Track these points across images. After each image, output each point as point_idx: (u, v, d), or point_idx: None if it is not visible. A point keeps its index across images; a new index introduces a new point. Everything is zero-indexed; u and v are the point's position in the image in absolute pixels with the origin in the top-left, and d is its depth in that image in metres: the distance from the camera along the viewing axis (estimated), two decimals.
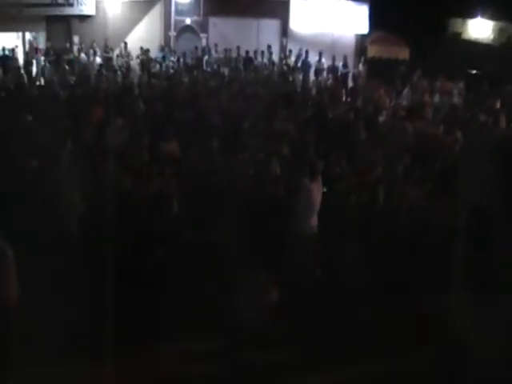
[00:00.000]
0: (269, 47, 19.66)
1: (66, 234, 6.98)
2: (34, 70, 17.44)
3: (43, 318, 5.80)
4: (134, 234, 6.72)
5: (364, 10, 21.88)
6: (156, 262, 6.68)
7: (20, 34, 19.81)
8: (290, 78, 17.31)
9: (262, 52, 19.39)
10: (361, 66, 19.73)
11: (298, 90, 15.05)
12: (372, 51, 21.54)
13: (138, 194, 7.51)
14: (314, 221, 7.26)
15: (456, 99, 14.58)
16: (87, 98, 11.90)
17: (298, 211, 7.21)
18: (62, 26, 19.97)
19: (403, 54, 21.27)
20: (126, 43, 19.17)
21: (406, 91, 15.76)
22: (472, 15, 22.87)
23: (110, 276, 5.73)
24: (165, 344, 6.12)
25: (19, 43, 19.19)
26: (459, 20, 23.65)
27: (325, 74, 18.64)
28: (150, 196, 7.34)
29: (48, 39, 19.28)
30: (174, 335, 6.14)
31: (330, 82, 17.63)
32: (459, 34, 23.62)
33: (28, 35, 20.01)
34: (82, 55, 18.34)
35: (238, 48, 19.31)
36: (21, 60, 17.91)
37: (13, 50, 17.74)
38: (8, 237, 5.48)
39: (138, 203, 7.31)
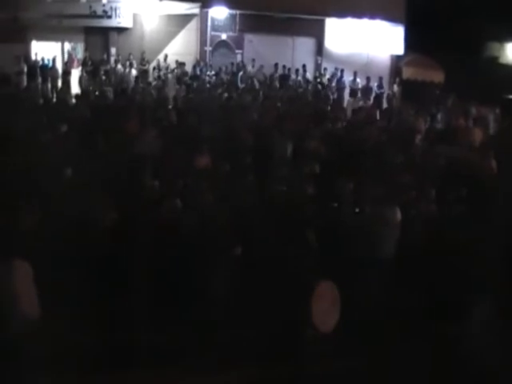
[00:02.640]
0: (303, 66, 19.73)
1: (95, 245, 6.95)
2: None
3: None
4: (165, 247, 6.68)
5: (399, 32, 21.84)
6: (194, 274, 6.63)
7: (59, 43, 20.25)
8: (324, 97, 17.28)
9: (297, 70, 19.44)
10: (395, 88, 19.63)
11: (332, 109, 14.98)
12: (407, 73, 21.44)
13: (168, 206, 7.49)
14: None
15: (492, 125, 14.37)
16: (123, 108, 12.01)
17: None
18: (100, 37, 20.34)
19: (438, 76, 21.13)
20: (166, 55, 19.46)
21: (440, 115, 15.60)
22: (509, 39, 22.61)
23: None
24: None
25: (58, 53, 19.57)
26: (496, 43, 23.40)
27: (359, 94, 18.57)
28: (181, 208, 7.32)
29: (86, 50, 19.65)
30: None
31: (363, 102, 17.54)
32: (496, 58, 23.36)
33: (67, 45, 20.43)
34: (119, 66, 18.61)
35: (276, 65, 19.39)
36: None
37: (53, 60, 18.06)
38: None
39: (169, 214, 7.30)
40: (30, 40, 19.48)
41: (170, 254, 6.64)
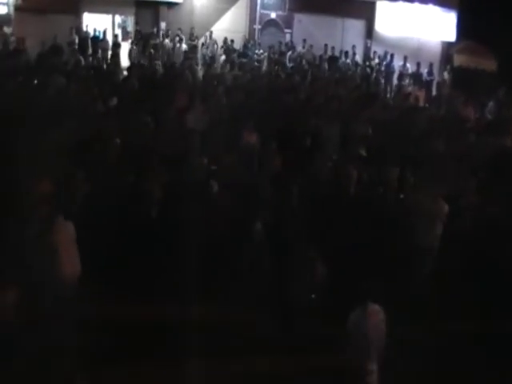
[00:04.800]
0: (353, 47, 19.51)
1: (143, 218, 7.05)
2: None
3: None
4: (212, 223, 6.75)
5: (452, 18, 21.34)
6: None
7: (110, 16, 20.45)
8: (374, 81, 17.05)
9: (346, 52, 19.22)
10: (446, 75, 19.22)
11: (381, 93, 14.81)
12: (458, 60, 20.96)
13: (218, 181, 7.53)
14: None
15: None
16: (172, 83, 12.09)
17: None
18: (150, 11, 20.49)
19: (491, 65, 20.55)
20: (211, 32, 19.45)
21: (490, 105, 15.22)
22: None
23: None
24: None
25: (109, 25, 19.77)
26: None
27: (408, 79, 18.26)
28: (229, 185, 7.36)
29: (136, 23, 19.81)
30: None
31: (413, 87, 17.24)
32: None
33: (117, 18, 20.62)
34: (167, 41, 18.71)
35: (326, 46, 19.21)
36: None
37: (104, 32, 18.27)
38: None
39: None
40: (82, 12, 19.74)
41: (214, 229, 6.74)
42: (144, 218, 6.93)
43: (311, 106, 11.48)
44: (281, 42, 19.89)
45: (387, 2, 21.29)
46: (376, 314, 4.89)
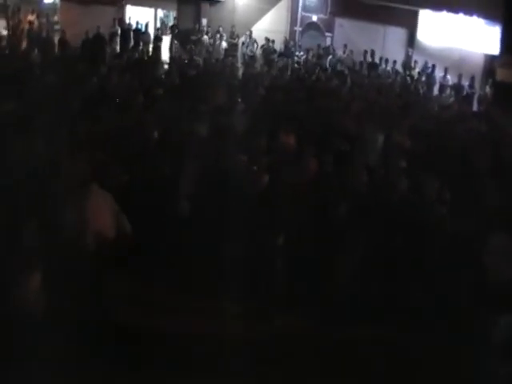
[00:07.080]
0: (373, 54, 19.43)
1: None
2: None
3: None
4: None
5: (496, 32, 20.93)
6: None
7: (152, 10, 20.60)
8: (414, 90, 16.84)
9: (387, 60, 19.03)
10: (488, 89, 18.89)
11: (421, 103, 14.58)
12: (501, 74, 20.53)
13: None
14: None
15: None
16: (211, 79, 12.09)
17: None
18: (192, 7, 20.62)
19: None
20: (251, 31, 19.44)
21: None
22: None
23: None
24: None
25: (151, 19, 19.93)
26: None
27: (449, 91, 17.98)
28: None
29: (175, 18, 19.93)
30: None
31: (453, 100, 16.98)
32: None
33: (160, 12, 20.77)
34: (205, 37, 18.80)
35: (366, 52, 19.07)
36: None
37: (146, 25, 18.41)
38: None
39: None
40: (125, 4, 19.95)
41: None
42: (176, 213, 6.93)
43: (351, 111, 11.38)
44: (319, 45, 19.75)
45: (431, 12, 20.99)
46: None
